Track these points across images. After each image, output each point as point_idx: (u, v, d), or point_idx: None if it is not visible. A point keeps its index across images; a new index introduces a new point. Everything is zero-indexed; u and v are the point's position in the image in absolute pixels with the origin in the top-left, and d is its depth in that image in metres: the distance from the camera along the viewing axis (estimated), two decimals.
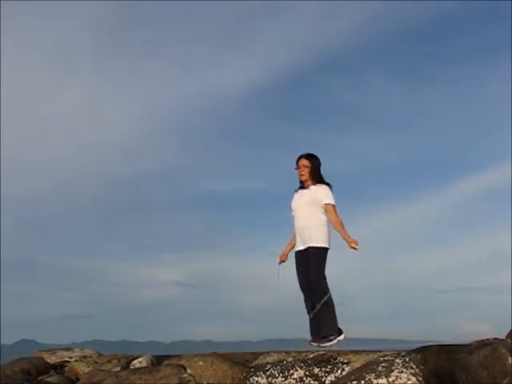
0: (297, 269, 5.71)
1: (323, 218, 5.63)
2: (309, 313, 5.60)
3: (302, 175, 5.78)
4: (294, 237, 5.83)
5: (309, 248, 5.57)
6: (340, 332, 5.51)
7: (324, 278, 5.52)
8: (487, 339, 4.06)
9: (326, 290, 5.50)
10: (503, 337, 4.22)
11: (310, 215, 5.63)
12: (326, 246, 5.59)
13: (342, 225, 5.54)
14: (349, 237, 5.45)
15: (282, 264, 5.92)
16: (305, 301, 5.63)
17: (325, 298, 5.47)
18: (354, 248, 5.41)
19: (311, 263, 5.52)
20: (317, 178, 5.75)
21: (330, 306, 5.50)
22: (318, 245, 5.55)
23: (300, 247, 5.69)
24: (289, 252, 5.93)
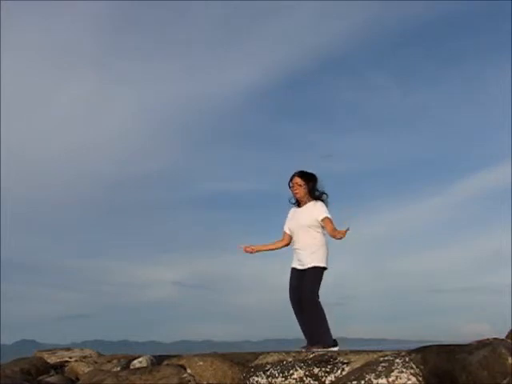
0: (290, 286, 5.75)
1: (322, 238, 5.71)
2: (302, 330, 5.66)
3: (296, 193, 5.83)
4: (277, 245, 5.97)
5: (307, 268, 5.63)
6: (335, 344, 5.52)
7: (318, 297, 5.58)
8: (487, 339, 4.05)
9: (319, 309, 5.55)
10: (503, 337, 4.22)
11: (309, 236, 5.70)
12: (325, 265, 5.65)
13: (337, 230, 5.59)
14: (340, 232, 5.54)
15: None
16: (296, 317, 5.68)
17: (318, 316, 5.52)
18: (347, 230, 5.48)
19: (308, 282, 5.57)
20: (312, 195, 5.81)
21: (323, 324, 5.55)
22: (317, 264, 5.61)
23: (297, 267, 5.74)
24: (261, 250, 5.99)
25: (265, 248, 6.03)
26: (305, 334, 5.66)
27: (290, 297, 5.71)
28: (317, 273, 5.60)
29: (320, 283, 5.61)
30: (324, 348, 5.30)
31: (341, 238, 5.55)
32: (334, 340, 5.55)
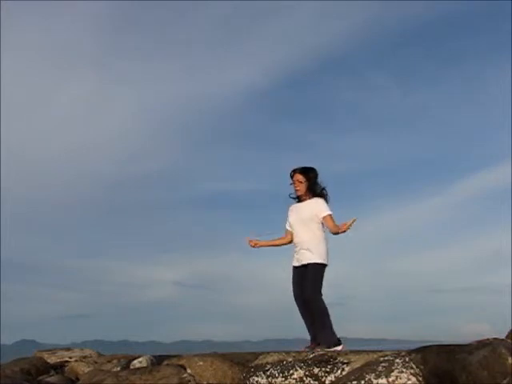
0: (293, 284, 5.73)
1: (321, 234, 5.68)
2: (307, 327, 5.62)
3: (297, 190, 5.79)
4: (280, 241, 5.95)
5: (308, 264, 5.59)
6: (339, 343, 5.48)
7: (321, 294, 5.55)
8: (487, 339, 4.05)
9: (323, 307, 5.52)
10: (503, 337, 4.22)
11: (309, 231, 5.67)
12: (325, 262, 5.62)
13: (341, 225, 5.57)
14: (345, 224, 5.53)
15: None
16: (301, 315, 5.65)
17: (322, 313, 5.50)
18: (353, 222, 5.51)
19: (309, 280, 5.53)
20: (313, 191, 5.77)
21: (327, 321, 5.51)
22: (317, 261, 5.58)
23: (297, 263, 5.71)
24: (264, 246, 5.99)
25: (268, 244, 6.00)
26: (310, 333, 5.63)
27: (294, 296, 5.67)
28: (317, 270, 5.56)
29: (322, 280, 5.57)
30: (329, 348, 5.27)
31: (345, 232, 5.54)
32: (338, 339, 5.52)
